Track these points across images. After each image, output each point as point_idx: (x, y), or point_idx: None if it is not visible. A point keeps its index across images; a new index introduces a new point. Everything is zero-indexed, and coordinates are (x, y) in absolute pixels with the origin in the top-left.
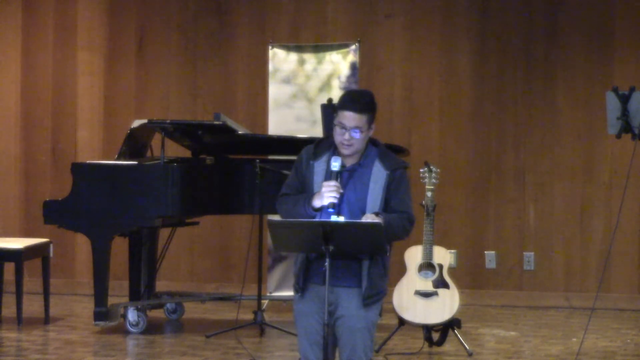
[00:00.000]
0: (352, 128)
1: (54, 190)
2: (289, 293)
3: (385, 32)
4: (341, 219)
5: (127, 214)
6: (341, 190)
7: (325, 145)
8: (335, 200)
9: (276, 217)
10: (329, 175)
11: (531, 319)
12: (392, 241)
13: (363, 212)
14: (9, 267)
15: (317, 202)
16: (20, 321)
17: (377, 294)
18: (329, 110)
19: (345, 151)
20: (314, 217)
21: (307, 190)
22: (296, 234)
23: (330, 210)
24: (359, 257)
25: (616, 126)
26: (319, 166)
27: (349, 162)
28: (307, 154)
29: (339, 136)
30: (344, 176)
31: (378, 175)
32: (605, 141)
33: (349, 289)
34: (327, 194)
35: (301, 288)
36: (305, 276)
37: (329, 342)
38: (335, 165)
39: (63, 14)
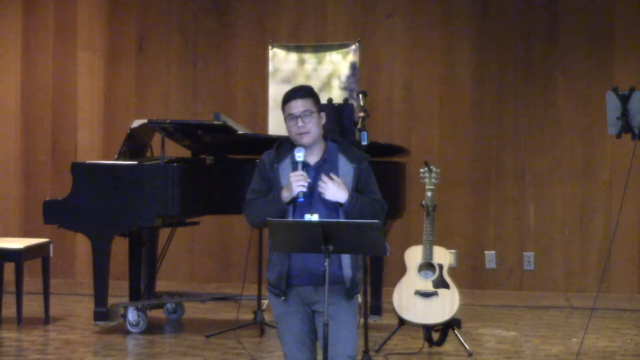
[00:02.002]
0: (301, 113)
1: (54, 190)
2: None
3: (385, 32)
4: (315, 216)
5: (127, 214)
6: (309, 180)
7: (285, 148)
8: (304, 189)
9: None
10: (294, 167)
11: (531, 319)
12: None
13: (337, 207)
14: (9, 267)
15: (286, 194)
16: (20, 321)
17: (357, 286)
18: (329, 110)
19: (303, 140)
20: (285, 213)
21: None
22: (296, 234)
23: (301, 199)
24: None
25: (616, 126)
26: (283, 168)
27: (313, 160)
28: (269, 158)
29: (293, 128)
30: (312, 174)
31: (345, 169)
32: (605, 141)
33: (333, 285)
34: (295, 184)
35: (284, 291)
36: (288, 278)
37: (311, 340)
38: (300, 155)
39: (63, 14)
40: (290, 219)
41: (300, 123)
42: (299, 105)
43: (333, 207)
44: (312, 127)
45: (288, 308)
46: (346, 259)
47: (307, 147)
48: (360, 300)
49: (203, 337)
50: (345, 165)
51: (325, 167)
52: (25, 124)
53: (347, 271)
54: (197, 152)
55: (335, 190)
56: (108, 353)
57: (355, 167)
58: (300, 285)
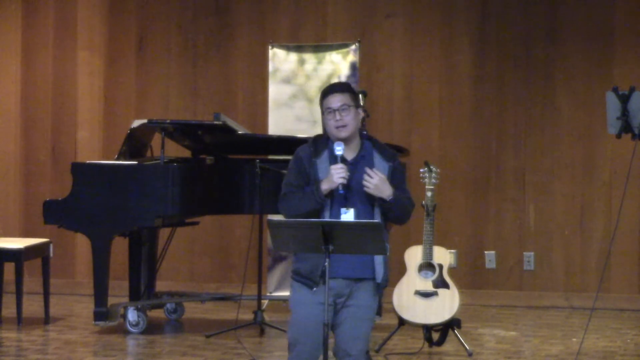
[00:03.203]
0: (339, 107)
1: (54, 190)
2: (289, 293)
3: (385, 32)
4: (351, 211)
5: (127, 214)
6: (348, 172)
7: (321, 143)
8: (344, 181)
9: (276, 217)
10: (334, 160)
11: (531, 319)
12: (396, 220)
13: (372, 203)
14: (9, 267)
15: (326, 186)
16: (20, 321)
17: (387, 282)
18: None
19: (341, 134)
20: (323, 205)
21: None
22: (296, 234)
23: (341, 191)
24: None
25: (616, 126)
26: (321, 163)
27: (350, 156)
28: (306, 153)
29: (331, 121)
30: (349, 169)
31: (381, 166)
32: (605, 141)
33: (365, 280)
34: (336, 176)
35: (316, 283)
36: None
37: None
38: (339, 149)
39: (63, 14)
40: (327, 212)
41: (338, 116)
42: (337, 100)
43: (369, 202)
44: (349, 120)
45: (316, 298)
46: (378, 256)
47: (345, 141)
48: None
49: (203, 337)
50: (380, 164)
51: (362, 163)
52: (25, 124)
53: (379, 267)
54: (197, 152)
55: (382, 187)
56: (108, 353)
57: (390, 165)
58: (333, 278)
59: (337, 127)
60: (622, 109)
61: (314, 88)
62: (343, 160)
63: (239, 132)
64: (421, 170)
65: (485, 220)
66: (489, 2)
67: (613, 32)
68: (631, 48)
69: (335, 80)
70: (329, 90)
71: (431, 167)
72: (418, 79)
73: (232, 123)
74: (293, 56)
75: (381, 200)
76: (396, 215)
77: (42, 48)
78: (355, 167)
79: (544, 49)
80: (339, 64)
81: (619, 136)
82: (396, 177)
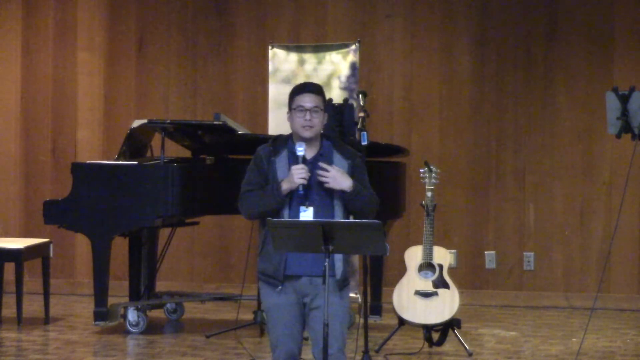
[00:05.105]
0: (311, 107)
1: (54, 190)
2: None
3: (385, 32)
4: (310, 209)
5: (127, 214)
6: (309, 173)
7: (280, 142)
8: (304, 182)
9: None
10: (294, 160)
11: (531, 319)
12: (360, 214)
13: (331, 201)
14: (9, 267)
15: (286, 186)
16: (20, 321)
17: (348, 279)
18: (329, 110)
19: (306, 133)
20: (283, 204)
21: None
22: (296, 234)
23: (300, 191)
24: None
25: (616, 126)
26: (279, 162)
27: (309, 155)
28: (265, 152)
29: (300, 119)
30: (308, 167)
31: (340, 164)
32: (605, 141)
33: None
34: (296, 176)
35: (281, 282)
36: (284, 269)
37: (299, 331)
38: (301, 149)
39: (63, 14)
40: (286, 210)
41: (308, 116)
42: (310, 100)
43: (328, 199)
44: (317, 122)
45: (283, 299)
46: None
47: (307, 141)
48: (360, 300)
49: (203, 337)
50: (340, 161)
51: (321, 161)
52: (25, 124)
53: (339, 264)
54: (197, 152)
55: (339, 179)
56: (108, 353)
57: (349, 163)
58: (295, 276)
59: (304, 127)
60: (622, 109)
61: None
62: (304, 160)
63: (239, 132)
64: (421, 170)
65: (485, 220)
66: (489, 2)
67: (613, 32)
68: (631, 48)
69: (335, 80)
70: (304, 88)
71: (431, 167)
72: (418, 79)
73: (232, 123)
74: (293, 56)
75: (342, 192)
76: (358, 207)
77: (42, 48)
78: (314, 166)
79: (544, 49)
80: (339, 64)
81: (619, 136)
82: (357, 174)
